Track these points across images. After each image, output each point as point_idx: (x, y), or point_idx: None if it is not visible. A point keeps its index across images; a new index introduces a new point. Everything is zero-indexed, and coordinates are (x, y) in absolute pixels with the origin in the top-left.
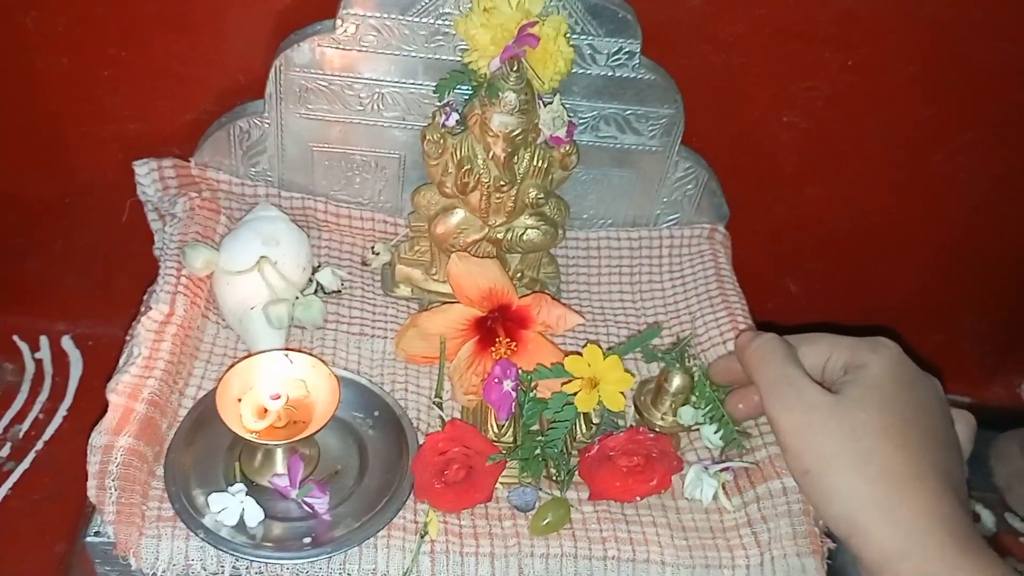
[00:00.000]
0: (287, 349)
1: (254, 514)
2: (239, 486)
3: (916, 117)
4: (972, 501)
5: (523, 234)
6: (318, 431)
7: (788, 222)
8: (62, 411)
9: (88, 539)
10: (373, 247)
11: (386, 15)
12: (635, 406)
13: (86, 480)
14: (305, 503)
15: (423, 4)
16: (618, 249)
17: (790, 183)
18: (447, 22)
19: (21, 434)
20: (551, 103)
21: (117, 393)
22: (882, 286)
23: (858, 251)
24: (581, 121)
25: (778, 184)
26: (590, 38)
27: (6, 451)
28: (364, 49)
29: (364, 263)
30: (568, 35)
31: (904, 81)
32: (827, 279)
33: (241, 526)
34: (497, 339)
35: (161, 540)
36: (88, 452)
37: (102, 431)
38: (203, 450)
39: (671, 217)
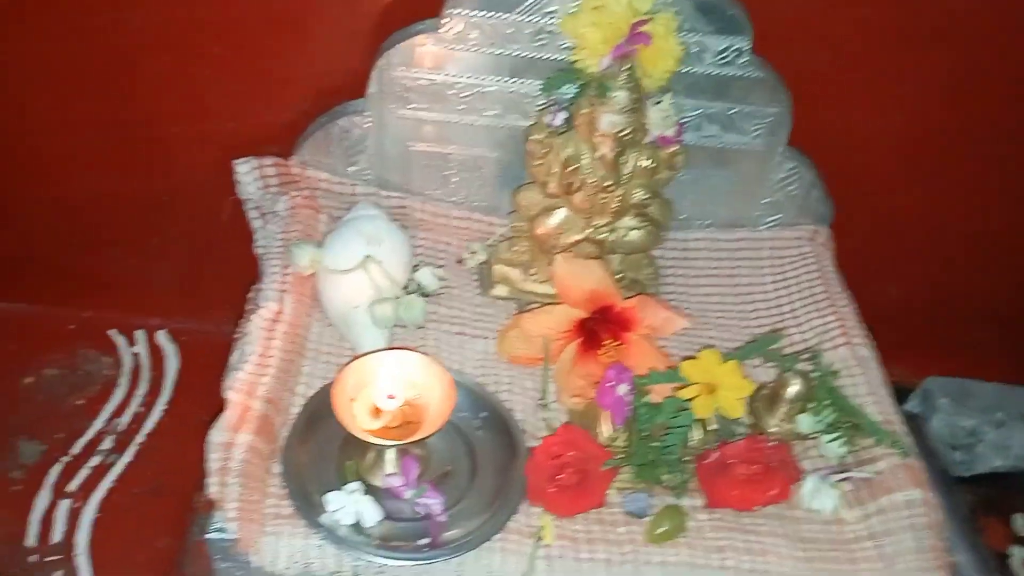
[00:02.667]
0: (397, 348)
1: (372, 514)
2: (355, 485)
3: None
4: None
5: (626, 235)
6: (437, 431)
7: (890, 223)
8: (160, 405)
9: (208, 536)
10: (469, 246)
11: (492, 13)
12: (749, 412)
13: (187, 474)
14: (420, 504)
15: (529, 2)
16: (717, 251)
17: (893, 184)
18: (552, 20)
19: (122, 427)
20: (660, 102)
21: (235, 390)
22: (985, 291)
23: (960, 255)
24: (683, 120)
25: (881, 185)
26: (699, 35)
27: (108, 444)
28: (468, 48)
29: (460, 262)
30: (678, 32)
31: (1014, 80)
32: (928, 284)
33: (357, 526)
34: (601, 343)
35: (281, 538)
36: (207, 449)
37: (221, 428)
38: (316, 448)
39: (772, 218)
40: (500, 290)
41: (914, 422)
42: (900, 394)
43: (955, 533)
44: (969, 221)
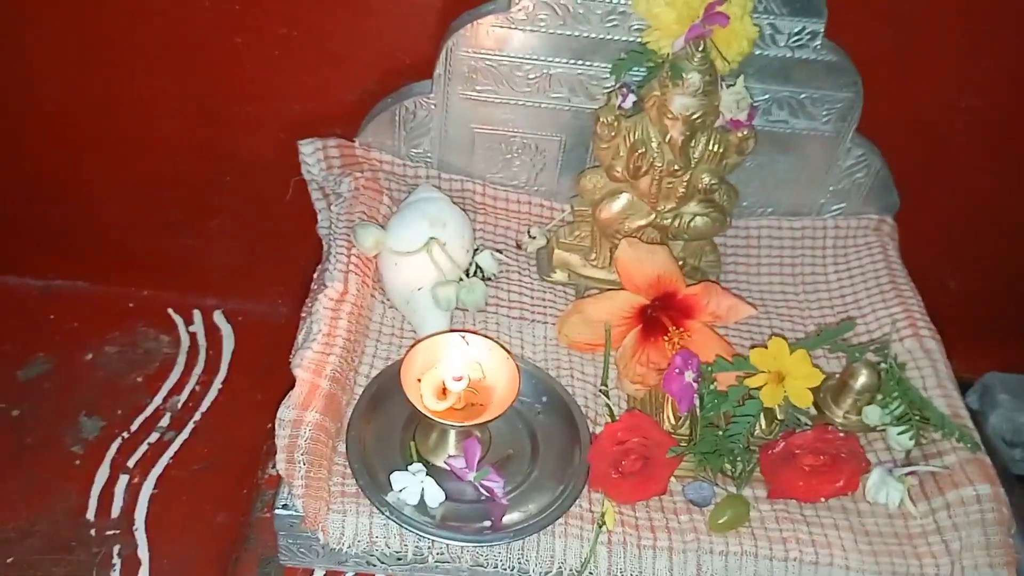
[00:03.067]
0: (463, 330)
1: (435, 495)
2: (418, 466)
3: None
4: None
5: (691, 221)
6: (502, 414)
7: (952, 213)
8: (217, 383)
9: (277, 512)
10: (529, 230)
11: None
12: (814, 402)
13: (243, 452)
14: (483, 486)
15: None
16: (779, 239)
17: (961, 172)
18: (624, 1)
19: (180, 405)
20: (733, 85)
21: (303, 368)
22: None
23: None
24: (755, 103)
25: (948, 173)
26: (773, 17)
27: (166, 421)
28: (538, 29)
29: (520, 246)
30: (752, 14)
31: None
32: (989, 275)
33: (422, 506)
34: (664, 330)
35: (346, 516)
36: (276, 426)
37: (290, 406)
38: (380, 428)
39: (837, 206)
40: (559, 275)
41: (973, 418)
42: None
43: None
44: None
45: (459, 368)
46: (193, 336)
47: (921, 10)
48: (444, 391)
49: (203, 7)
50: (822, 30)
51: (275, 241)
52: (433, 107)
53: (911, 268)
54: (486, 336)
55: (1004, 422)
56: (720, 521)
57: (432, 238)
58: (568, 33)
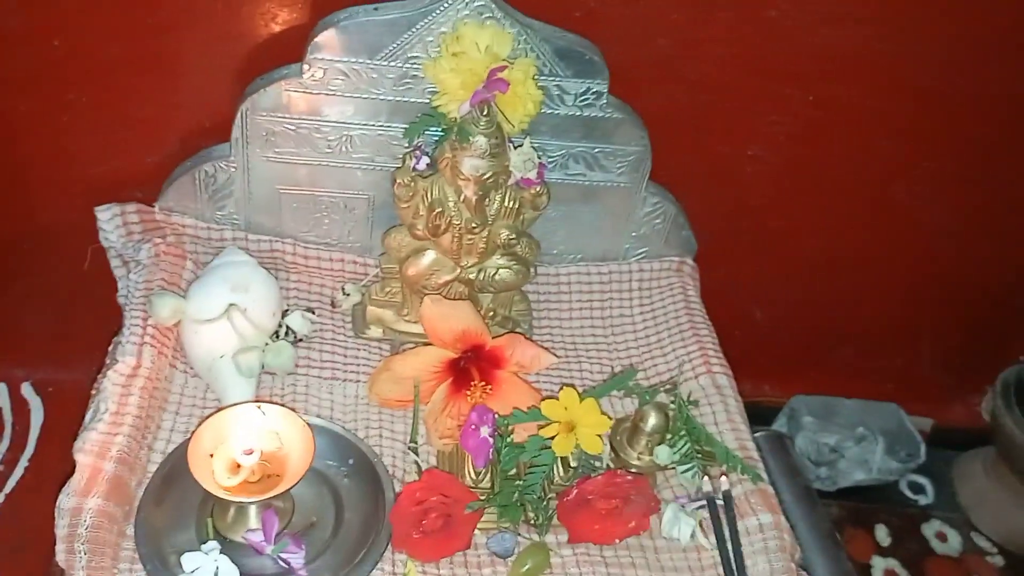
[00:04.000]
0: (259, 400)
1: (228, 573)
2: (212, 544)
3: (877, 150)
4: (938, 522)
5: (495, 274)
6: (293, 487)
7: (754, 252)
8: (23, 461)
9: None
10: (343, 288)
11: (354, 59)
12: (611, 445)
13: (50, 533)
14: (281, 559)
15: (391, 48)
16: (588, 284)
17: (756, 215)
18: (416, 66)
19: None
20: (521, 145)
21: (84, 452)
22: (844, 312)
23: (821, 279)
24: (550, 159)
25: (744, 216)
26: (558, 79)
27: None
28: (332, 92)
29: (334, 304)
30: (536, 77)
31: (865, 115)
32: (791, 306)
33: None
34: (472, 382)
35: None
36: (56, 515)
37: (70, 492)
38: (174, 507)
39: (640, 251)
40: (374, 331)
41: (782, 440)
42: (771, 413)
43: (819, 548)
44: (830, 246)
45: (249, 441)
46: None
47: (704, 70)
48: (237, 465)
49: None
50: (606, 90)
51: (86, 308)
52: (234, 170)
53: (720, 302)
54: (281, 404)
55: (808, 443)
56: (522, 571)
57: (232, 304)
58: (363, 97)
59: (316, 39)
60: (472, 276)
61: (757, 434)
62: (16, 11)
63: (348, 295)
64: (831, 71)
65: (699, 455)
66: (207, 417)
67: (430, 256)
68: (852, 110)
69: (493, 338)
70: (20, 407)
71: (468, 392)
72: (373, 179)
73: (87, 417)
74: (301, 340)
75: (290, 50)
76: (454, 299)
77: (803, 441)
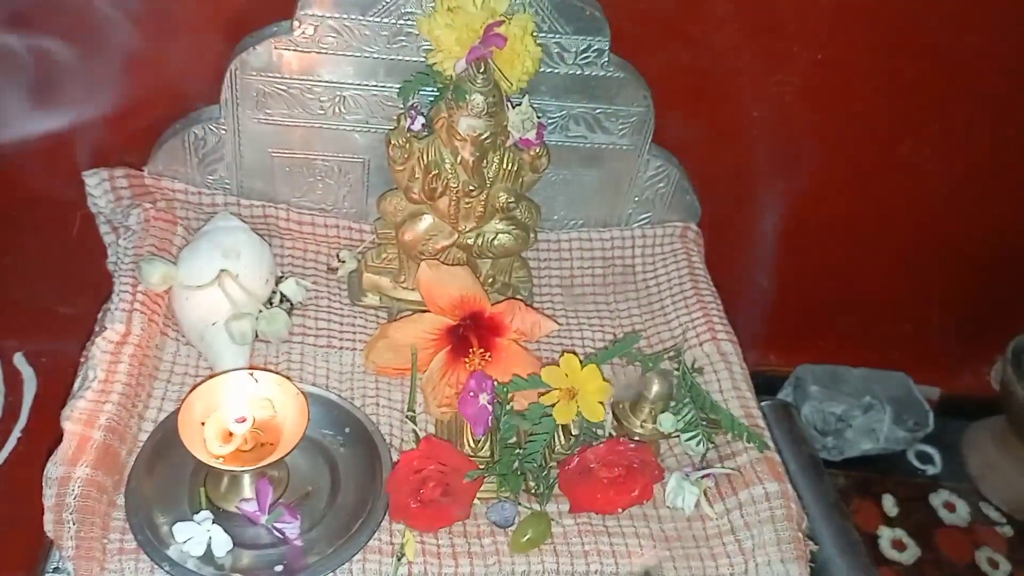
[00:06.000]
0: (251, 367)
1: (222, 543)
2: (205, 514)
3: (883, 109)
4: (946, 492)
5: (494, 239)
6: (287, 455)
7: (759, 217)
8: (16, 432)
9: (47, 575)
10: (338, 255)
11: (345, 16)
12: (613, 414)
13: (42, 504)
14: (275, 529)
15: (384, 4)
16: (590, 250)
17: (761, 179)
18: (410, 22)
19: None
20: (520, 104)
21: (72, 420)
22: (851, 278)
23: (827, 244)
24: (550, 121)
25: (749, 180)
26: (558, 36)
27: None
28: (324, 51)
29: (330, 271)
30: (535, 34)
31: (872, 74)
32: (798, 273)
33: (208, 556)
34: (471, 349)
35: (124, 575)
36: (43, 485)
37: (57, 462)
38: (166, 477)
39: (643, 216)
40: (371, 299)
41: (787, 410)
42: (776, 382)
43: (826, 518)
44: (836, 210)
45: (241, 409)
46: None
47: (707, 28)
48: (230, 434)
49: None
50: (607, 48)
51: (78, 277)
52: (224, 133)
53: (726, 270)
54: (275, 371)
55: (815, 412)
56: (522, 540)
57: (223, 270)
58: (356, 55)
59: None
60: (470, 241)
61: (762, 403)
62: None
63: (344, 262)
64: (838, 28)
65: (704, 423)
66: (197, 384)
67: (427, 221)
68: (860, 68)
69: (492, 305)
70: (13, 378)
71: (467, 360)
72: (368, 142)
73: (75, 385)
74: (295, 307)
75: (282, 7)
76: (452, 264)
77: (809, 410)
